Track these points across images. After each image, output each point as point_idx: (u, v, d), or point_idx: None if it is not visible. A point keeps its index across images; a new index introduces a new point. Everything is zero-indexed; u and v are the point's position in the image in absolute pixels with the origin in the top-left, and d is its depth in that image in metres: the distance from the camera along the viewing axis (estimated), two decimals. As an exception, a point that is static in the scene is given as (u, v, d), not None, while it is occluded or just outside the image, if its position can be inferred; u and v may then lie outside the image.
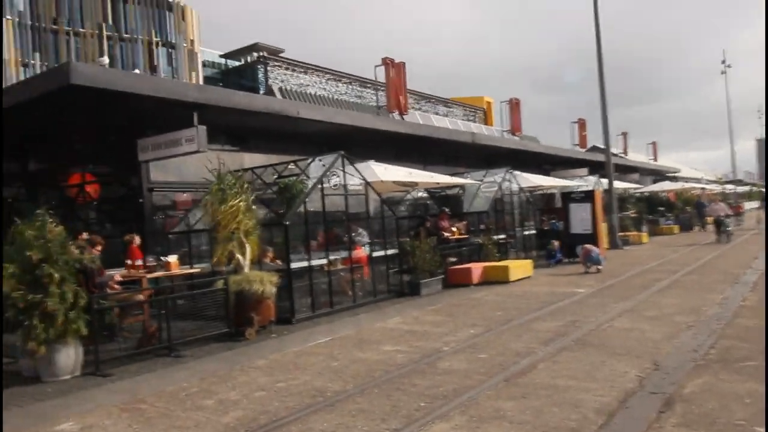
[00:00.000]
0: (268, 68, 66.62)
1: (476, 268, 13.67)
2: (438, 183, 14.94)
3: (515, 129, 26.71)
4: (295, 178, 11.33)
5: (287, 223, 9.99)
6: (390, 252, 12.48)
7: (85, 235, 9.64)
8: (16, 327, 6.53)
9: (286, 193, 11.16)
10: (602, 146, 46.02)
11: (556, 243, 17.18)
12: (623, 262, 16.65)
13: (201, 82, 53.50)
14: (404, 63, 18.69)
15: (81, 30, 55.29)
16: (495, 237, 16.32)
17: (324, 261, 10.76)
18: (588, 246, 14.91)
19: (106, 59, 18.47)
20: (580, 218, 17.66)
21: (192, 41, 60.66)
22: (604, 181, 25.05)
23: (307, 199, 10.73)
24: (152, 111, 12.23)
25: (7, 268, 6.63)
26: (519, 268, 14.10)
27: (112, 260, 10.22)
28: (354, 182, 11.72)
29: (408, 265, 12.79)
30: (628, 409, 4.84)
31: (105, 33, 55.73)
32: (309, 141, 17.27)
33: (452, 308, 10.40)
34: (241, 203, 9.04)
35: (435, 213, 17.32)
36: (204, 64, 64.52)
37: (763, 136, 60.32)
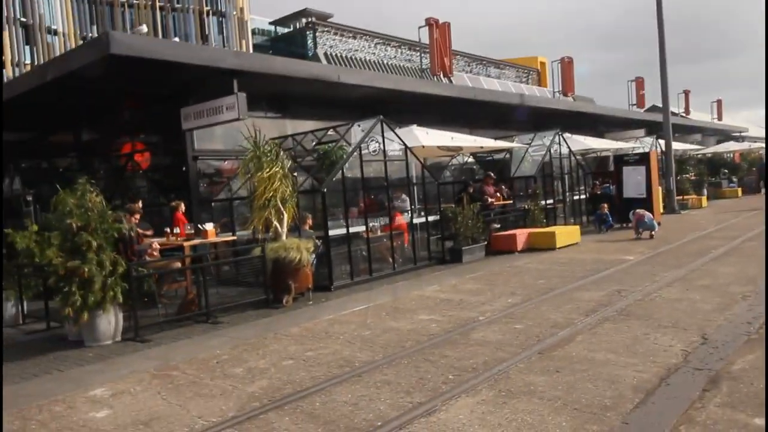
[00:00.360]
0: (317, 34, 66.39)
1: (521, 235, 13.30)
2: (482, 147, 14.51)
3: (567, 89, 25.62)
4: (334, 144, 11.19)
5: (324, 190, 9.90)
6: (431, 218, 12.26)
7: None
8: (58, 293, 6.71)
9: (326, 160, 11.06)
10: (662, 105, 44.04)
11: (605, 207, 16.49)
12: (679, 228, 15.88)
13: (250, 49, 53.74)
14: (449, 23, 18.06)
15: (135, 2, 56.25)
16: (542, 202, 15.83)
17: (363, 228, 10.66)
18: (640, 211, 14.24)
19: (144, 28, 18.64)
20: (633, 182, 16.89)
21: (242, 9, 60.94)
22: (662, 142, 23.89)
23: (345, 166, 10.60)
24: (194, 79, 12.26)
25: (47, 236, 6.80)
26: (566, 234, 13.64)
27: (163, 227, 10.48)
28: (394, 148, 11.50)
29: (450, 232, 12.56)
30: (668, 386, 4.55)
31: (158, 3, 56.58)
32: (351, 106, 17.05)
33: (493, 276, 10.14)
34: (277, 170, 8.97)
35: (480, 178, 16.94)
36: (254, 32, 64.76)
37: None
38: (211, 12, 60.10)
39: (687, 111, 37.67)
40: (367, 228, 10.66)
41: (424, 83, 17.81)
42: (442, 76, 18.19)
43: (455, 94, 17.31)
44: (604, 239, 14.51)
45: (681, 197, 22.69)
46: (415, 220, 11.98)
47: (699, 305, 7.00)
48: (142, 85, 12.23)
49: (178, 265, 8.28)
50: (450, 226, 12.48)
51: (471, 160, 18.98)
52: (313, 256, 10.27)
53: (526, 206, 15.06)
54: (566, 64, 25.18)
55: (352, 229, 10.51)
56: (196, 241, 8.93)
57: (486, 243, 13.11)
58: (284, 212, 9.32)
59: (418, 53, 43.91)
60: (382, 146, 10.97)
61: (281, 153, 9.26)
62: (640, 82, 30.48)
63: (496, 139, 18.46)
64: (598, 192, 19.05)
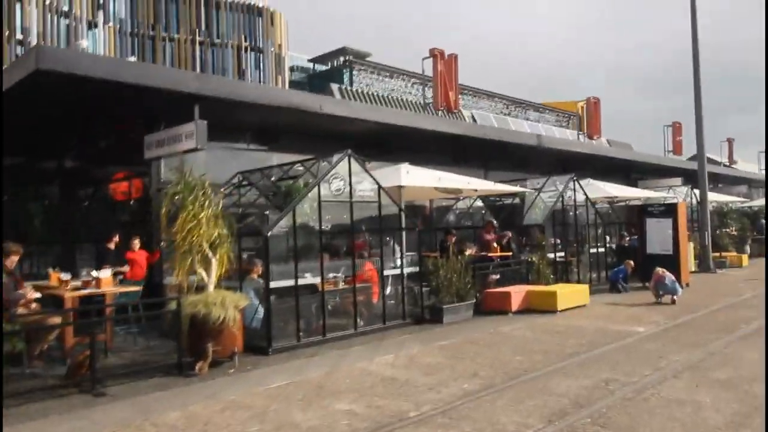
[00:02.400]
0: (353, 72, 66.40)
1: (517, 293, 11.50)
2: (476, 190, 12.85)
3: (593, 132, 23.82)
4: (292, 182, 9.80)
5: (269, 234, 8.42)
6: (408, 270, 10.64)
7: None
8: None
9: (288, 198, 9.69)
10: (709, 155, 41.52)
11: (631, 264, 14.49)
12: (710, 291, 13.79)
13: (287, 86, 53.79)
14: (456, 55, 16.70)
15: (176, 36, 57.34)
16: (551, 255, 14.00)
17: (316, 280, 9.10)
18: (660, 270, 12.27)
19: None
20: (658, 236, 14.90)
21: (280, 46, 61.50)
22: (699, 192, 21.73)
23: (303, 206, 9.15)
24: (157, 105, 11.18)
25: None
26: (570, 294, 11.77)
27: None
28: (366, 188, 10.00)
29: (430, 287, 10.89)
30: None
31: (198, 38, 57.61)
32: (347, 142, 15.75)
33: (465, 346, 8.39)
34: (201, 211, 7.56)
35: (477, 225, 15.32)
36: (293, 69, 65.33)
37: None
38: (249, 48, 61.00)
39: (730, 160, 35.22)
40: (322, 279, 9.10)
41: (420, 118, 16.42)
42: (446, 111, 16.76)
43: (460, 131, 15.81)
44: (618, 302, 12.54)
45: (718, 254, 20.40)
46: (390, 272, 10.35)
47: (706, 415, 5.15)
48: (100, 108, 11.18)
49: (57, 320, 6.85)
50: (430, 281, 10.81)
51: (479, 204, 17.33)
52: (259, 311, 8.84)
53: (530, 258, 13.24)
54: (592, 105, 23.46)
55: (304, 281, 8.98)
56: (85, 292, 7.51)
57: (475, 301, 11.37)
58: (213, 259, 7.88)
59: (467, 94, 42.67)
60: (346, 185, 9.48)
61: (208, 191, 7.84)
62: (677, 128, 28.39)
63: (510, 182, 16.88)
64: (626, 244, 17.09)
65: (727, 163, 35.13)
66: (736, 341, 8.13)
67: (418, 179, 11.27)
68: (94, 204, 13.24)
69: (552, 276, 13.30)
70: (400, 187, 10.79)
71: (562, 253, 14.62)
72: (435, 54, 16.11)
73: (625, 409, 5.36)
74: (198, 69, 55.33)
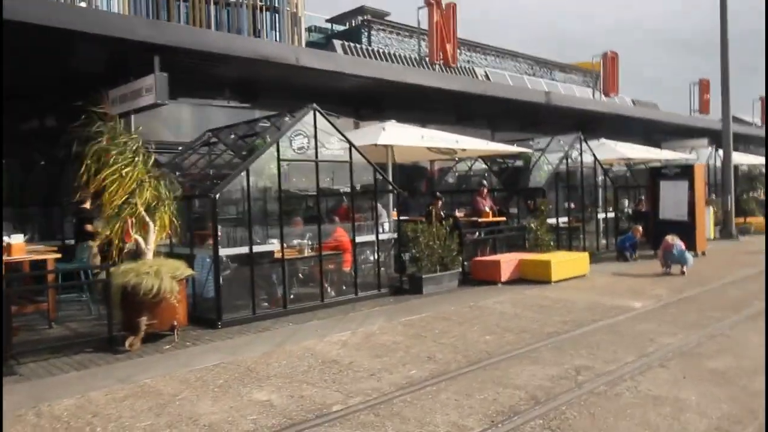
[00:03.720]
0: (372, 32, 64.33)
1: (508, 262, 10.54)
2: (463, 150, 11.72)
3: (609, 89, 22.24)
4: (256, 139, 8.88)
5: (216, 196, 7.57)
6: (384, 237, 9.74)
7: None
8: None
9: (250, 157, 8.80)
10: (740, 116, 39.27)
11: (640, 230, 13.33)
12: (727, 261, 12.63)
13: (303, 45, 52.45)
14: (454, 4, 15.38)
15: (189, -5, 56.15)
16: (552, 221, 12.95)
17: (273, 247, 8.27)
18: (670, 238, 11.14)
19: None
20: (672, 200, 13.69)
21: (296, 5, 59.87)
22: (737, 156, 20.23)
23: (269, 166, 8.28)
24: (114, 56, 10.30)
25: None
26: (567, 263, 10.76)
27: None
28: (337, 146, 9.05)
29: (411, 255, 10.01)
30: None
31: (212, -2, 56.35)
32: (339, 99, 14.77)
33: (434, 322, 7.52)
34: (131, 169, 6.73)
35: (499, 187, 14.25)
36: (310, 29, 63.74)
37: None
38: (264, 7, 59.53)
39: (764, 120, 33.04)
40: (282, 246, 8.25)
41: (412, 72, 15.18)
42: (443, 64, 15.53)
43: (457, 87, 14.60)
44: (622, 272, 11.50)
45: (743, 220, 19.03)
46: (364, 238, 9.45)
47: (686, 420, 4.21)
48: (58, 63, 10.37)
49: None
50: (410, 248, 9.91)
51: (483, 166, 16.22)
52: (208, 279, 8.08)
53: (528, 224, 12.20)
54: (609, 61, 21.83)
55: (262, 248, 8.17)
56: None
57: (461, 270, 10.46)
58: (151, 223, 7.09)
59: (479, 54, 40.81)
60: (310, 143, 8.54)
61: (140, 147, 6.98)
62: (705, 85, 26.47)
63: (516, 142, 15.73)
64: (643, 209, 15.91)
65: (759, 124, 33.03)
66: (744, 322, 7.09)
67: (398, 137, 10.27)
68: (65, 166, 12.53)
69: (552, 243, 12.27)
70: (375, 145, 9.80)
71: (566, 219, 13.54)
72: (430, 2, 14.81)
73: (588, 408, 4.45)
74: (213, 29, 54.42)
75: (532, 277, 10.45)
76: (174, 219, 7.46)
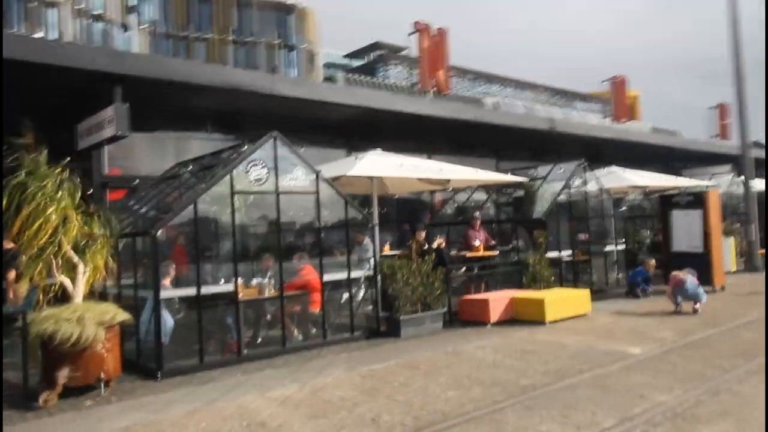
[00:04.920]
0: (388, 66, 64.58)
1: (498, 301, 9.60)
2: (448, 180, 10.87)
3: (620, 114, 21.30)
4: (215, 169, 8.24)
5: (156, 233, 6.88)
6: (356, 274, 8.93)
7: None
8: None
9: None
10: (762, 141, 37.71)
11: (652, 263, 12.27)
12: (746, 296, 11.47)
13: (321, 80, 52.82)
14: (445, 29, 14.75)
15: (208, 36, 57.37)
16: (552, 254, 12.00)
17: (227, 287, 7.51)
18: (680, 274, 10.09)
19: None
20: (685, 231, 12.63)
21: (312, 42, 60.57)
22: (759, 182, 19.02)
23: (206, 199, 7.61)
24: (76, 87, 9.88)
25: None
26: (565, 302, 9.77)
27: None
28: (301, 176, 8.34)
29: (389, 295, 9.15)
30: None
31: (229, 38, 57.49)
32: (330, 131, 14.21)
33: (398, 372, 6.63)
34: (51, 205, 6.09)
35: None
36: (328, 66, 64.32)
37: None
38: (280, 45, 60.35)
39: (766, 139, 31.55)
40: (236, 286, 7.50)
41: (400, 99, 14.58)
42: (433, 92, 14.85)
43: (449, 114, 13.89)
44: (629, 310, 10.46)
45: (768, 251, 17.70)
46: (334, 276, 8.64)
47: None
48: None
49: None
50: (387, 286, 9.06)
51: (482, 197, 15.38)
52: (167, 323, 7.36)
53: (526, 259, 11.27)
54: (618, 86, 20.95)
55: (211, 289, 7.42)
56: None
57: (445, 311, 9.56)
58: (81, 265, 6.41)
59: (496, 86, 40.42)
60: (267, 174, 7.85)
61: (64, 181, 6.34)
62: (724, 110, 25.38)
63: (519, 171, 14.91)
64: (660, 239, 14.81)
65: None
66: (754, 374, 6.05)
67: (373, 167, 9.50)
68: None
69: (553, 279, 11.31)
70: (340, 177, 9.06)
71: (569, 252, 12.57)
72: (419, 29, 14.21)
73: (539, 495, 3.53)
74: (231, 67, 55.13)
75: (525, 317, 9.49)
76: (111, 259, 6.81)
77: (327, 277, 8.52)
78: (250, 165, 7.79)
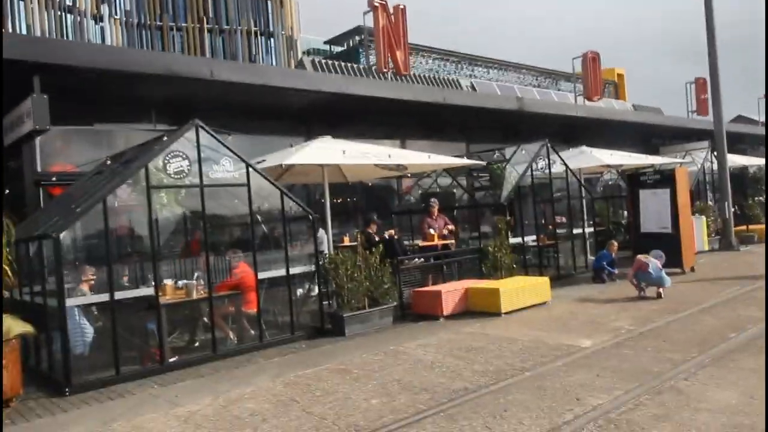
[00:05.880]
0: (371, 51, 63.36)
1: (451, 293, 9.08)
2: (403, 166, 10.30)
3: (591, 93, 20.74)
4: (133, 163, 7.62)
5: (59, 235, 6.27)
6: (298, 270, 8.36)
7: None
8: None
9: (137, 186, 7.55)
10: (749, 115, 37.34)
11: (615, 245, 11.81)
12: (715, 277, 11.04)
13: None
14: (403, 7, 14.13)
15: (183, 25, 56.03)
16: (515, 240, 11.52)
17: (145, 291, 6.94)
18: (643, 257, 9.62)
19: None
20: (654, 210, 12.16)
21: (291, 28, 59.40)
22: (733, 157, 18.62)
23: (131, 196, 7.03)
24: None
25: None
26: (522, 291, 9.26)
27: None
28: (230, 168, 7.76)
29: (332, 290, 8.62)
30: None
31: (206, 26, 56.18)
32: (289, 117, 13.59)
33: (326, 378, 6.10)
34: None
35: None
36: (309, 52, 63.13)
37: None
38: (259, 32, 59.13)
39: (766, 120, 31.22)
40: (156, 289, 6.93)
41: (359, 82, 13.97)
42: (392, 73, 14.26)
43: (410, 96, 13.28)
44: (592, 297, 9.98)
45: (745, 227, 17.34)
46: (271, 273, 8.08)
47: None
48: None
49: None
50: (330, 282, 8.53)
51: (448, 181, 14.86)
52: (86, 332, 6.82)
53: (485, 247, 10.76)
54: (590, 62, 20.39)
55: (127, 294, 6.85)
56: None
57: (396, 305, 9.04)
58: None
59: (481, 67, 39.59)
60: (187, 165, 7.25)
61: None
62: (701, 84, 24.89)
63: (485, 153, 14.42)
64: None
65: (765, 122, 31.17)
66: (707, 367, 5.56)
67: (311, 155, 8.92)
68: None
69: (515, 266, 10.82)
70: (283, 166, 8.48)
71: (534, 237, 12.09)
72: (375, 6, 13.57)
73: None
74: (208, 55, 53.93)
75: (480, 308, 9.00)
76: (11, 266, 6.23)
77: (264, 275, 7.99)
78: (169, 157, 7.19)
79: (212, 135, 7.56)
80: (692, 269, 11.85)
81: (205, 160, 7.48)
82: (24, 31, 41.09)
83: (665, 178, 12.07)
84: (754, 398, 4.62)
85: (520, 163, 12.62)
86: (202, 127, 7.47)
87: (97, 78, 9.52)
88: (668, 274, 10.54)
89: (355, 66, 25.27)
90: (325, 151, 9.19)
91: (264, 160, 9.54)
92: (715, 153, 16.91)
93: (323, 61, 25.55)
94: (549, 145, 12.53)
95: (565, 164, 12.81)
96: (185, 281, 7.51)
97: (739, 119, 37.74)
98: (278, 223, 8.32)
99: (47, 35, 43.84)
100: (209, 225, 7.80)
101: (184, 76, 10.25)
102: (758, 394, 4.66)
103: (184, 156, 7.28)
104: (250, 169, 7.81)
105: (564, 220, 13.11)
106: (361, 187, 15.44)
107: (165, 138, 7.47)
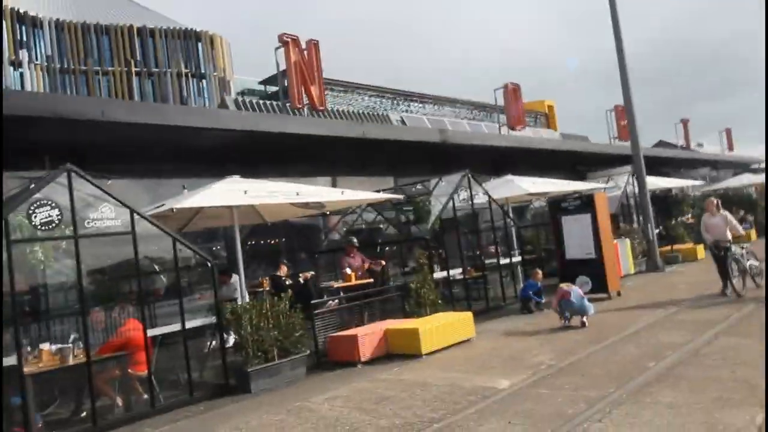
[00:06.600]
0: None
1: (370, 335, 8.51)
2: (319, 204, 9.77)
3: (514, 122, 21.04)
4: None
5: None
6: (197, 323, 7.63)
7: None
8: None
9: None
10: (671, 141, 38.85)
11: (539, 273, 11.61)
12: (641, 300, 10.90)
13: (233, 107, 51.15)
14: (316, 41, 13.84)
15: (110, 68, 54.40)
16: (440, 274, 11.14)
17: (6, 361, 6.05)
18: (563, 286, 9.38)
19: None
20: (577, 236, 12.05)
21: (224, 69, 58.65)
22: (654, 180, 18.99)
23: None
24: None
25: None
26: (444, 328, 8.77)
27: None
28: (109, 215, 7.04)
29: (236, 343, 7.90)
30: None
31: (134, 69, 54.72)
32: (203, 157, 12.89)
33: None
34: None
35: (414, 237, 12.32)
36: (243, 93, 62.35)
37: None
38: (190, 74, 58.05)
39: (688, 142, 32.68)
40: (18, 358, 6.06)
41: (269, 119, 13.52)
42: (310, 110, 13.87)
43: (324, 131, 12.86)
44: (517, 329, 9.63)
45: (670, 248, 17.63)
46: (160, 330, 7.33)
47: None
48: None
49: None
50: (235, 332, 7.82)
51: (372, 216, 14.44)
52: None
53: (407, 283, 10.31)
54: (510, 93, 20.70)
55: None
56: None
57: (315, 352, 8.41)
58: None
59: (417, 103, 39.54)
60: (63, 213, 6.51)
61: None
62: (621, 111, 25.74)
63: (409, 186, 14.16)
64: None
65: (684, 145, 32.62)
66: (624, 402, 5.17)
67: (208, 198, 8.28)
68: None
69: (441, 302, 10.37)
70: (174, 211, 7.80)
71: (459, 270, 11.73)
72: (286, 40, 13.22)
73: None
74: (137, 99, 52.32)
75: (401, 350, 8.46)
76: None
77: (157, 331, 7.24)
78: (34, 207, 6.42)
79: (88, 180, 6.85)
80: (618, 293, 11.74)
81: (82, 208, 6.77)
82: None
83: (585, 204, 12.01)
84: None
85: (443, 195, 12.36)
86: (76, 172, 6.76)
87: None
88: (595, 299, 10.42)
89: (287, 104, 24.88)
90: (228, 193, 8.56)
91: (163, 205, 8.85)
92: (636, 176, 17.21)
93: (250, 100, 25.02)
94: (470, 175, 12.32)
95: (487, 194, 12.61)
96: (59, 345, 6.64)
97: (660, 144, 39.39)
98: (173, 273, 7.61)
99: (-41, 83, 41.54)
100: (90, 279, 7.03)
101: (71, 118, 9.47)
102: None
103: (53, 205, 6.52)
104: (136, 215, 7.11)
105: (492, 250, 12.88)
106: (285, 226, 14.82)
107: (32, 186, 6.70)
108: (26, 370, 6.08)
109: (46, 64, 52.23)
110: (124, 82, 54.23)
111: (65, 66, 53.32)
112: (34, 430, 6.05)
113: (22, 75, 49.29)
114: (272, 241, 15.64)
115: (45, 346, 6.66)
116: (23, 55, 49.62)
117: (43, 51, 52.94)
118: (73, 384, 6.87)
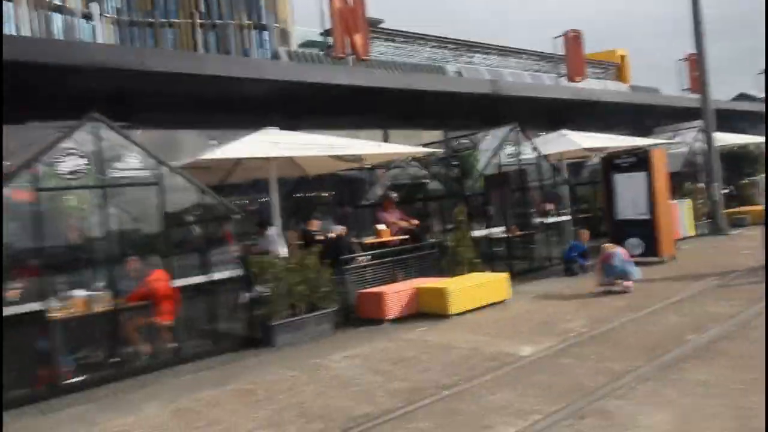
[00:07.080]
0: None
1: (398, 293, 8.33)
2: (358, 157, 9.46)
3: (574, 74, 19.80)
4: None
5: None
6: (222, 275, 7.64)
7: None
8: None
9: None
10: (753, 94, 36.04)
11: (585, 234, 11.03)
12: (693, 266, 10.17)
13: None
14: (361, -11, 13.28)
15: (175, 20, 55.26)
16: (482, 233, 10.76)
17: (30, 307, 6.23)
18: (609, 247, 8.83)
19: None
20: (630, 196, 11.30)
21: (285, 21, 58.46)
22: (721, 135, 17.60)
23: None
24: None
25: None
26: (476, 289, 8.48)
27: None
28: (136, 165, 7.05)
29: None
30: None
31: (198, 21, 55.36)
32: (238, 109, 12.83)
33: (220, 403, 5.40)
34: None
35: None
36: (305, 44, 62.12)
37: None
38: (252, 26, 58.25)
39: (766, 101, 30.02)
40: (46, 303, 6.22)
41: (308, 69, 13.20)
42: (353, 58, 13.41)
43: (363, 82, 12.42)
44: (556, 292, 9.21)
45: (737, 210, 16.41)
46: (189, 281, 7.38)
47: None
48: None
49: None
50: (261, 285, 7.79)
51: (419, 171, 14.05)
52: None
53: (443, 242, 10.00)
54: (571, 41, 19.43)
55: (13, 310, 6.15)
56: None
57: (343, 308, 8.33)
58: None
59: (479, 54, 38.31)
60: (78, 162, 6.54)
61: None
62: (693, 61, 23.77)
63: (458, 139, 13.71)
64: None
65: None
66: (651, 378, 4.78)
67: (234, 150, 8.15)
68: None
69: (476, 260, 10.01)
70: (190, 161, 7.73)
71: (503, 228, 11.29)
72: (328, -14, 12.75)
73: None
74: (201, 51, 53.07)
75: (430, 309, 8.25)
76: None
77: (183, 281, 7.30)
78: (63, 155, 6.48)
79: (115, 130, 6.84)
80: (672, 258, 11.02)
81: (109, 158, 6.80)
82: (13, 32, 40.57)
83: (640, 160, 11.21)
84: (689, 422, 3.85)
85: (490, 150, 11.83)
86: (103, 121, 6.75)
87: (30, 73, 8.81)
88: (645, 263, 9.84)
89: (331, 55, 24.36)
90: (259, 144, 8.42)
91: (196, 157, 8.83)
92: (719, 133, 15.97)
93: (303, 51, 24.73)
94: (518, 128, 11.71)
95: (536, 148, 11.98)
96: (88, 292, 6.80)
97: (741, 97, 36.50)
98: (201, 225, 7.62)
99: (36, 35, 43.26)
100: (118, 229, 7.11)
101: (111, 67, 9.50)
102: (693, 417, 3.90)
103: (79, 154, 6.56)
104: (161, 166, 7.09)
105: (539, 208, 12.33)
106: (333, 180, 14.70)
107: (60, 135, 6.75)
108: (57, 315, 6.26)
109: (116, 16, 53.47)
110: (188, 35, 55.00)
111: (133, 18, 54.45)
112: (60, 372, 6.26)
113: (93, 28, 50.76)
114: (321, 195, 15.56)
115: (77, 292, 6.84)
116: (94, 8, 50.98)
117: (113, 3, 54.14)
118: (102, 330, 7.05)
